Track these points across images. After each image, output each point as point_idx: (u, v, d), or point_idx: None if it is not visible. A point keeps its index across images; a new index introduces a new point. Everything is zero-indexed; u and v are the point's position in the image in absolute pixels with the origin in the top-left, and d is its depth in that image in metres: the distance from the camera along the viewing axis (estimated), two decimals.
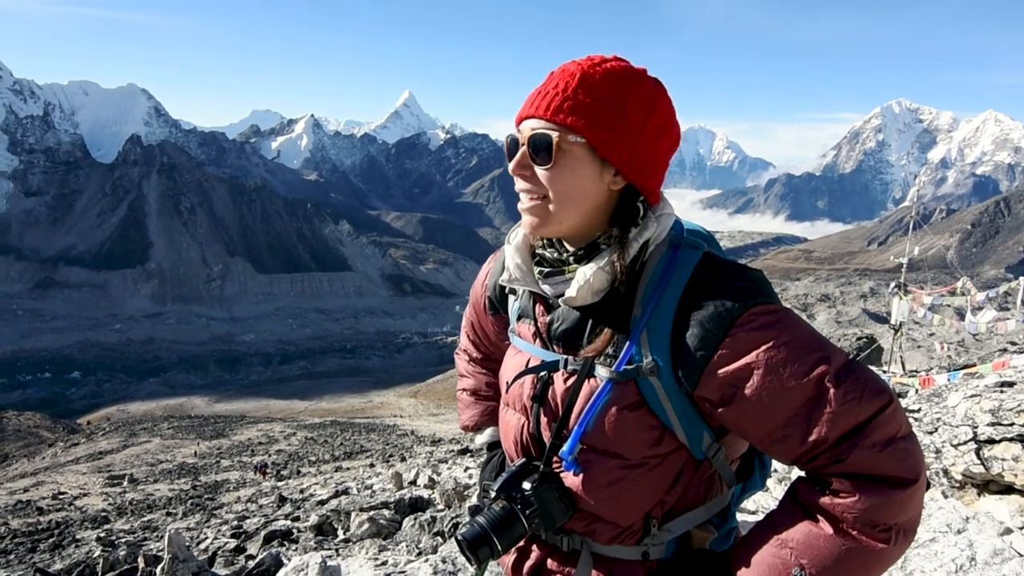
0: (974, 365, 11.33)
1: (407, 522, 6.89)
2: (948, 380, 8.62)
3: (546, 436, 1.23)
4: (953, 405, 4.08)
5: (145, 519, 17.46)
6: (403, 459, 24.60)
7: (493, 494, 1.23)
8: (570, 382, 1.19)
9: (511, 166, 1.18)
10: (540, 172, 1.14)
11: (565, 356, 1.21)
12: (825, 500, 1.03)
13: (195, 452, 36.76)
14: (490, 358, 1.63)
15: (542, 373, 1.24)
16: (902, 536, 1.01)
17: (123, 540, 13.79)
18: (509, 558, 1.36)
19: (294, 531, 9.49)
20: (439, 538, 6.15)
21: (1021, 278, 16.26)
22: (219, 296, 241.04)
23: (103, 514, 19.49)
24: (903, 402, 5.82)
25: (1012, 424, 3.43)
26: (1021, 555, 2.71)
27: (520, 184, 1.18)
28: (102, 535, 14.61)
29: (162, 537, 10.76)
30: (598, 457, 1.16)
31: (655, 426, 1.14)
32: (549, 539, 1.29)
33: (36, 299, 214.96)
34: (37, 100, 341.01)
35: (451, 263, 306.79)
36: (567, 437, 1.17)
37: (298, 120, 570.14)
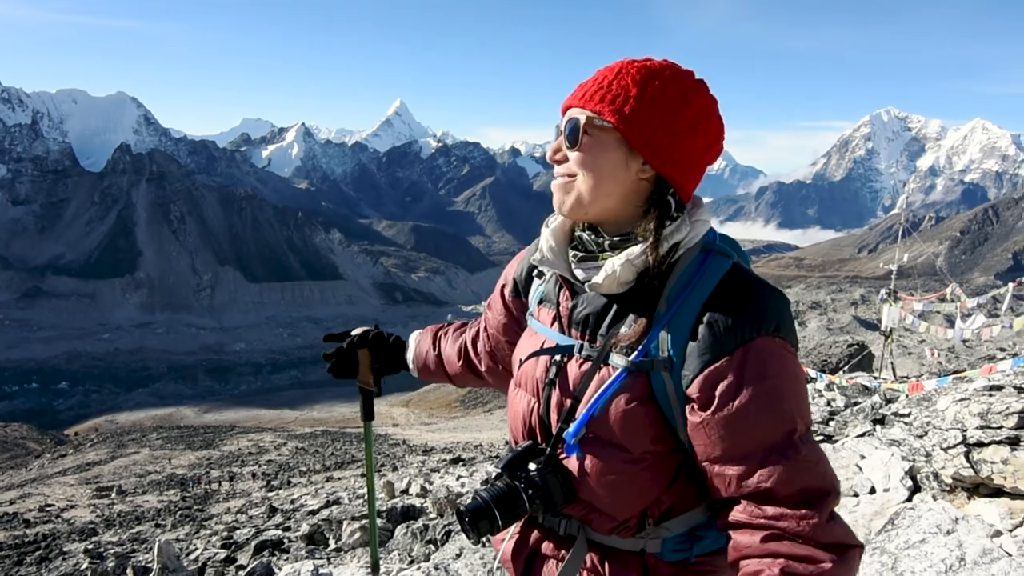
0: (964, 371, 11.40)
1: (399, 530, 6.87)
2: (937, 386, 8.68)
3: (554, 420, 1.25)
4: (943, 409, 4.11)
5: (134, 531, 17.31)
6: (395, 468, 24.52)
7: (498, 471, 1.25)
8: (585, 367, 1.21)
9: (548, 152, 1.24)
10: (570, 155, 1.19)
11: (581, 342, 1.24)
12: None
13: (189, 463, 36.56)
14: (490, 346, 1.64)
15: (557, 357, 1.27)
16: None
17: (111, 552, 13.67)
18: (508, 544, 1.37)
19: (285, 541, 9.43)
20: (431, 546, 6.13)
21: (1010, 284, 16.40)
22: (209, 305, 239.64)
23: (91, 526, 19.30)
24: (893, 407, 5.86)
25: (1001, 427, 3.46)
26: (1010, 555, 2.73)
27: (556, 169, 1.23)
28: (90, 547, 14.47)
29: (151, 548, 10.66)
30: (601, 446, 1.18)
31: (659, 422, 1.16)
32: (547, 522, 1.31)
33: (23, 309, 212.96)
34: (25, 108, 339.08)
35: (442, 271, 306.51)
36: (574, 422, 1.20)
37: (289, 128, 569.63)
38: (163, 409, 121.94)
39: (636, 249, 1.16)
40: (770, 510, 1.05)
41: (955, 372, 12.42)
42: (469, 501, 1.22)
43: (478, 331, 1.67)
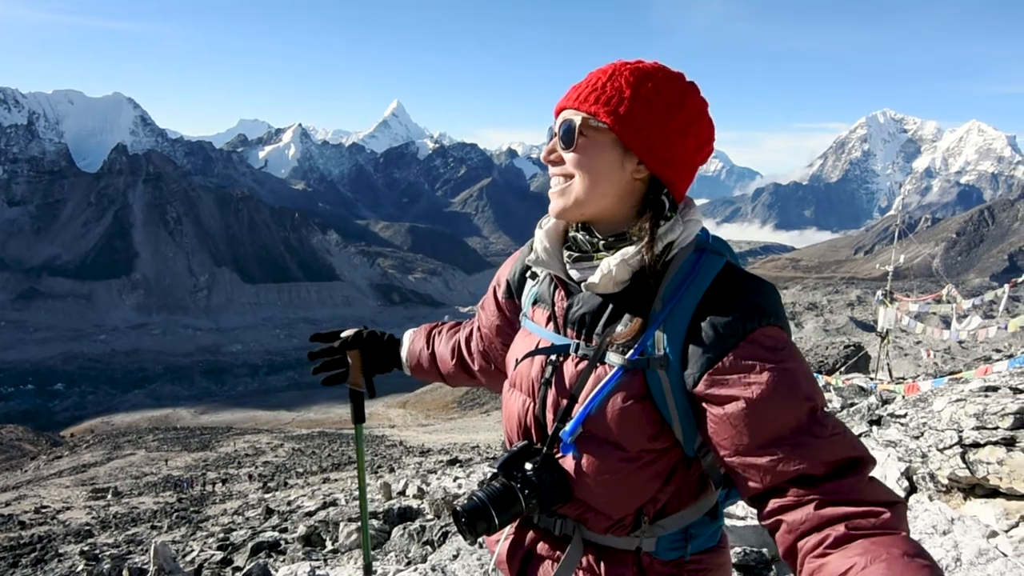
0: (959, 372, 11.43)
1: (396, 532, 6.86)
2: (933, 387, 8.70)
3: (550, 419, 1.26)
4: (939, 410, 4.12)
5: (130, 532, 17.27)
6: (392, 469, 24.50)
7: (494, 471, 1.25)
8: (581, 366, 1.22)
9: (542, 154, 1.27)
10: (565, 156, 1.21)
11: (578, 341, 1.25)
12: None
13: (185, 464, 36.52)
14: (483, 346, 1.64)
15: (552, 357, 1.28)
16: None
17: (107, 554, 13.64)
18: (503, 545, 1.38)
19: (282, 542, 9.42)
20: (428, 547, 6.12)
21: (1006, 286, 16.43)
22: (205, 306, 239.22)
23: (87, 528, 19.26)
24: (889, 408, 5.86)
25: (996, 428, 3.47)
26: (1006, 556, 2.74)
27: (550, 169, 1.25)
28: (86, 549, 14.44)
29: (147, 550, 10.64)
30: (597, 444, 1.19)
31: (656, 420, 1.17)
32: (542, 523, 1.31)
33: (19, 310, 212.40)
34: (21, 109, 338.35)
35: (439, 272, 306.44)
36: (570, 421, 1.21)
37: (286, 129, 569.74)
38: (159, 410, 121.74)
39: (631, 249, 1.17)
40: (815, 486, 1.04)
41: (951, 373, 12.45)
42: (465, 502, 1.22)
43: (471, 331, 1.67)
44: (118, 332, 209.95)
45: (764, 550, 3.49)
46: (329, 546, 8.22)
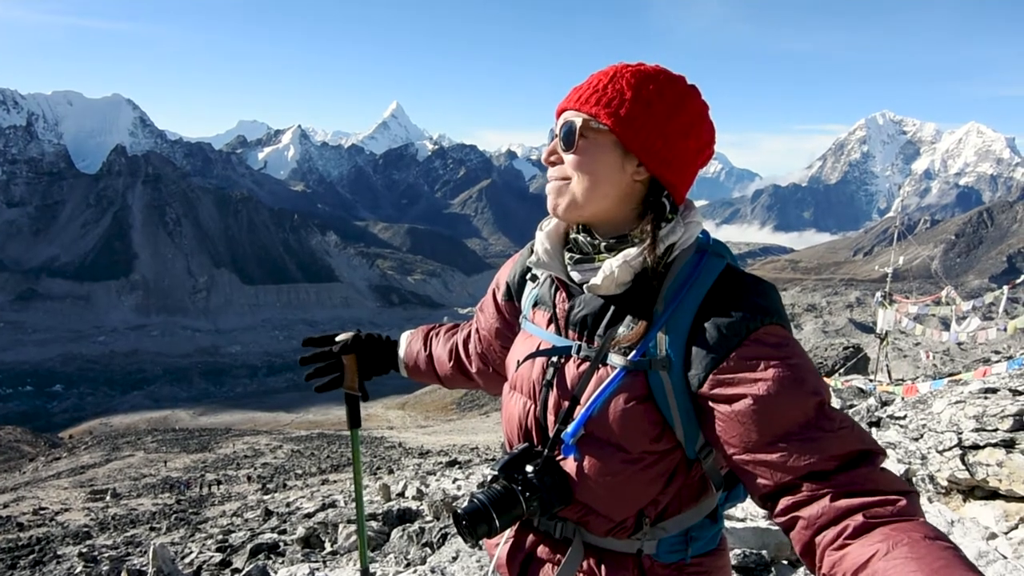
0: (959, 374, 11.43)
1: (395, 533, 6.84)
2: (932, 388, 8.70)
3: (551, 421, 1.26)
4: (938, 412, 4.12)
5: (128, 534, 17.24)
6: (391, 471, 24.48)
7: (495, 474, 1.25)
8: (582, 368, 1.22)
9: (543, 155, 1.27)
10: (566, 157, 1.21)
11: (579, 343, 1.25)
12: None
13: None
14: (482, 348, 1.64)
15: (554, 358, 1.28)
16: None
17: (106, 555, 13.62)
18: (503, 549, 1.37)
19: (280, 544, 9.40)
20: (427, 549, 6.11)
21: (1004, 287, 16.44)
22: (204, 307, 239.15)
23: (85, 529, 19.22)
24: (889, 409, 5.86)
25: (996, 430, 3.47)
26: (1005, 558, 2.73)
27: (550, 172, 1.25)
28: (84, 551, 14.42)
29: (146, 552, 10.63)
30: (599, 446, 1.19)
31: (657, 421, 1.17)
32: (542, 526, 1.31)
33: (18, 311, 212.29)
34: (20, 110, 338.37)
35: (439, 274, 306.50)
36: (572, 422, 1.21)
37: (285, 131, 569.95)
38: (158, 412, 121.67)
39: (633, 251, 1.17)
40: (827, 479, 1.03)
41: (950, 375, 12.44)
42: (466, 504, 1.21)
43: (469, 333, 1.67)
44: (117, 333, 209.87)
45: (763, 552, 3.49)
46: (328, 548, 8.21)
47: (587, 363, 1.21)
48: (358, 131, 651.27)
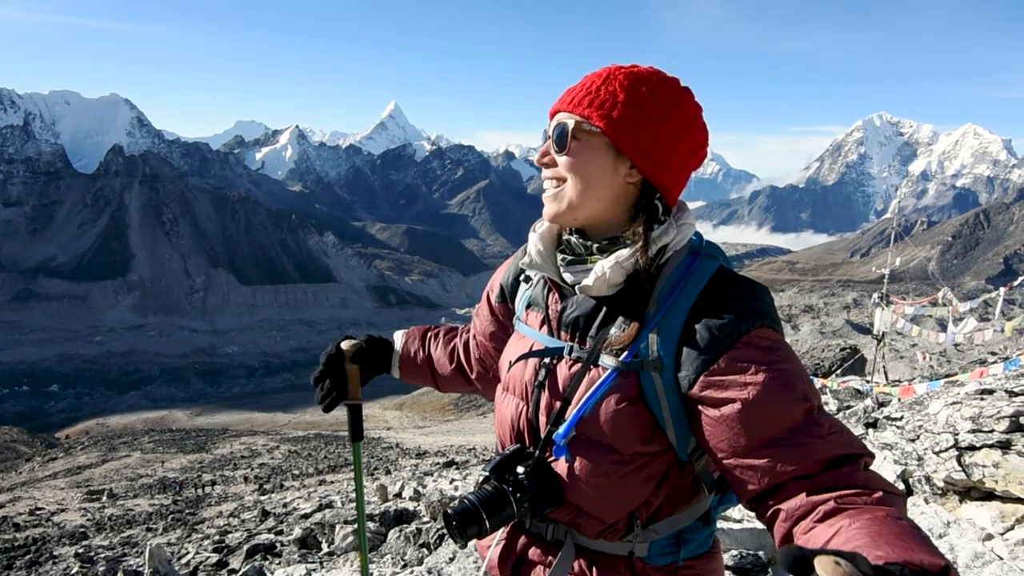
0: (955, 375, 11.44)
1: (392, 534, 6.84)
2: (928, 390, 8.71)
3: (543, 423, 1.26)
4: (934, 413, 4.13)
5: (125, 535, 17.20)
6: (388, 472, 24.44)
7: (486, 475, 1.25)
8: (574, 369, 1.22)
9: (536, 157, 1.26)
10: (558, 159, 1.21)
11: (571, 343, 1.25)
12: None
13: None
14: (480, 353, 1.64)
15: (546, 359, 1.28)
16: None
17: (102, 556, 13.59)
18: (494, 551, 1.37)
19: (277, 545, 9.39)
20: (424, 550, 6.11)
21: (1001, 289, 16.49)
22: (201, 308, 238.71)
23: (81, 530, 19.16)
24: (885, 410, 5.87)
25: (992, 431, 3.48)
26: (1001, 559, 2.74)
27: (543, 173, 1.25)
28: (80, 551, 14.37)
29: (142, 552, 10.60)
30: (591, 447, 1.19)
31: (649, 423, 1.17)
32: (533, 527, 1.31)
33: (15, 311, 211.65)
34: (17, 109, 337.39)
35: (436, 274, 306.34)
36: (564, 423, 1.21)
37: (283, 131, 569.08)
38: (155, 412, 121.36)
39: (625, 252, 1.18)
40: (812, 479, 1.03)
41: (947, 376, 12.46)
42: (456, 504, 1.21)
43: (468, 338, 1.67)
44: (114, 333, 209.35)
45: (760, 553, 3.49)
46: (325, 548, 8.20)
47: (579, 364, 1.21)
48: (356, 131, 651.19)
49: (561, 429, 1.20)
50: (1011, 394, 4.00)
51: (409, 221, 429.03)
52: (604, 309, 1.22)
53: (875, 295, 19.90)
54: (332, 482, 23.73)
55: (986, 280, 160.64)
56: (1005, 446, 3.36)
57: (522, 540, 1.34)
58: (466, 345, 1.67)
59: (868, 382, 14.70)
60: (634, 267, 1.17)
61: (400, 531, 6.76)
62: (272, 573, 6.43)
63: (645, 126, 1.15)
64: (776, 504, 1.06)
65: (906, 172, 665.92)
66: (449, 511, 1.20)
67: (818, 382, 13.61)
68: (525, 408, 1.30)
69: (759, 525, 3.71)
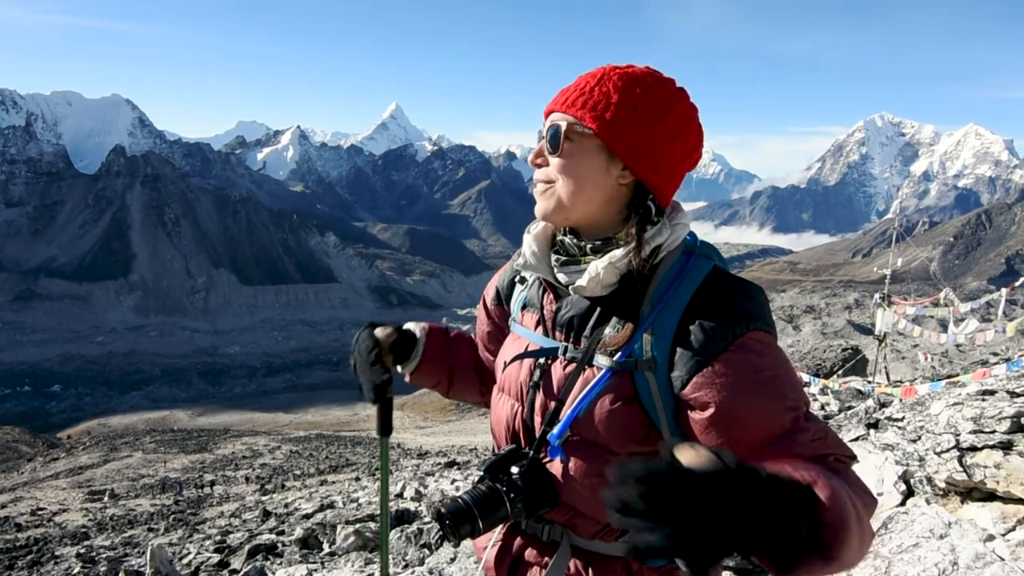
0: (957, 376, 11.44)
1: (393, 535, 6.84)
2: (930, 390, 8.71)
3: (538, 423, 1.25)
4: (936, 413, 4.13)
5: (126, 535, 17.20)
6: (389, 472, 24.42)
7: (480, 475, 1.24)
8: (569, 369, 1.22)
9: (530, 157, 1.27)
10: (551, 160, 1.21)
11: (566, 344, 1.24)
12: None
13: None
14: (483, 354, 1.64)
15: (541, 360, 1.27)
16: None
17: (103, 556, 13.59)
18: (491, 551, 1.37)
19: (279, 545, 9.40)
20: (425, 550, 6.11)
21: (1003, 289, 16.49)
22: (203, 308, 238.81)
23: (83, 530, 19.17)
24: (887, 411, 5.87)
25: (994, 432, 3.47)
26: (1003, 560, 2.74)
27: (536, 174, 1.25)
28: (82, 551, 14.38)
29: (144, 553, 10.61)
30: (585, 448, 1.19)
31: (643, 423, 1.17)
32: (529, 528, 1.31)
33: (16, 311, 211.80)
34: (19, 110, 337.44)
35: (438, 275, 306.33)
36: (558, 424, 1.20)
37: (284, 131, 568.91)
38: (156, 412, 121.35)
39: (619, 252, 1.17)
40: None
41: (948, 376, 12.46)
42: (450, 503, 1.21)
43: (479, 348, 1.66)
44: (115, 334, 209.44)
45: None
46: (326, 549, 8.20)
47: (574, 364, 1.21)
48: (357, 132, 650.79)
49: (556, 429, 1.20)
50: (1013, 395, 4.00)
51: (410, 221, 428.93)
52: (598, 309, 1.21)
53: (877, 296, 19.89)
54: (334, 482, 23.73)
55: (988, 281, 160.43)
56: (1007, 447, 3.36)
57: (518, 541, 1.34)
58: (466, 357, 1.66)
59: (870, 383, 14.70)
60: (628, 267, 1.17)
61: (401, 531, 6.76)
62: (273, 573, 6.44)
63: (638, 128, 1.14)
64: None
65: (908, 172, 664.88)
66: (442, 510, 1.20)
67: (819, 383, 13.61)
68: (520, 408, 1.30)
69: None
